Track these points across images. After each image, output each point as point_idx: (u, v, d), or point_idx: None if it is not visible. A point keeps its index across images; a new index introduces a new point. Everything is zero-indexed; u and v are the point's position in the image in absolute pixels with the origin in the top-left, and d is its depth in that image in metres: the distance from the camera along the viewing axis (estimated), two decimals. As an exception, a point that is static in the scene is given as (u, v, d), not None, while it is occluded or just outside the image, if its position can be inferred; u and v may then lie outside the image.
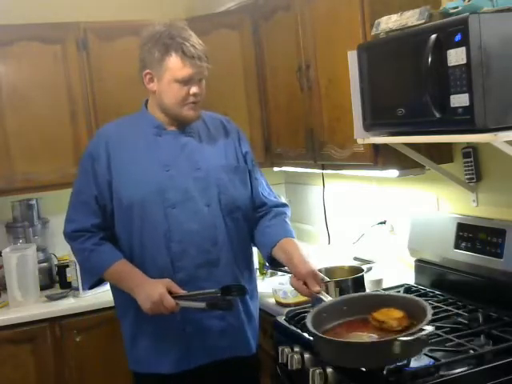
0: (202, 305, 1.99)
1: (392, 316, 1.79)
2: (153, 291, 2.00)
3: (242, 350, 2.23)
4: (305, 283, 2.05)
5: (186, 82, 2.08)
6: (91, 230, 2.16)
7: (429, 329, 1.67)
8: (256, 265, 3.15)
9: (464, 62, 1.70)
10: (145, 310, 2.02)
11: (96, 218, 2.16)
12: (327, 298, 2.01)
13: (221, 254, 2.15)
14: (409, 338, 1.63)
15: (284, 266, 2.20)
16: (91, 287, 2.24)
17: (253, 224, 2.28)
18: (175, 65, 2.06)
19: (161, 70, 2.08)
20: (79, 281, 3.04)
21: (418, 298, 1.89)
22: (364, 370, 1.81)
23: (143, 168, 2.14)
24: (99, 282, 2.21)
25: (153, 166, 2.13)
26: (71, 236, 2.20)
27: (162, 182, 2.12)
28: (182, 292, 2.03)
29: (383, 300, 1.93)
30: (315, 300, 2.07)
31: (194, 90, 2.09)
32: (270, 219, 2.27)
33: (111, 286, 2.26)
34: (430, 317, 1.71)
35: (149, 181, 2.12)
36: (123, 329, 2.25)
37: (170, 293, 2.00)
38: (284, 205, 2.35)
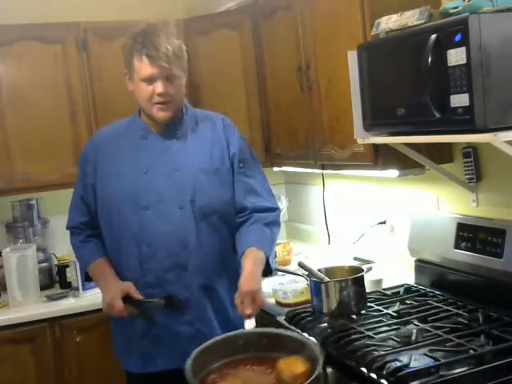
0: (136, 312, 2.07)
1: (293, 369, 1.61)
2: (107, 294, 2.08)
3: None
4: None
5: (150, 81, 2.08)
6: (79, 228, 2.28)
7: None
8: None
9: (464, 62, 1.71)
10: (103, 310, 2.11)
11: (83, 217, 2.27)
12: (250, 326, 1.86)
13: (191, 257, 2.11)
14: None
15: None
16: (87, 280, 2.34)
17: (235, 229, 2.20)
18: (137, 64, 2.08)
19: (131, 70, 2.12)
20: (79, 281, 3.05)
21: (319, 353, 1.62)
22: (365, 370, 1.82)
23: (122, 170, 2.16)
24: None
25: (132, 168, 2.15)
26: (70, 232, 2.33)
27: (138, 183, 2.13)
28: (137, 297, 2.06)
29: (297, 346, 1.72)
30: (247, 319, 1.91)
31: (158, 89, 2.08)
32: (248, 226, 2.16)
33: None
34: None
35: (125, 182, 2.14)
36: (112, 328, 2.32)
37: (128, 296, 2.05)
38: (269, 209, 2.21)
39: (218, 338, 1.81)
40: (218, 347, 1.77)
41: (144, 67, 2.07)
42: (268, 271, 2.12)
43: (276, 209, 2.25)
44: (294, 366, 1.63)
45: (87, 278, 2.31)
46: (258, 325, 2.33)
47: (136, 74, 2.10)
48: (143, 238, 2.11)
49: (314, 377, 1.52)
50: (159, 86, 2.08)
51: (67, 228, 2.33)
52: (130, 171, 2.15)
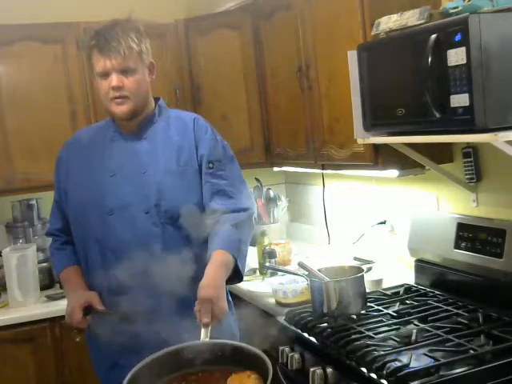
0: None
1: None
2: (68, 304, 2.05)
3: None
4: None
5: (105, 75, 2.02)
6: (55, 234, 2.24)
7: None
8: (256, 265, 3.15)
9: (464, 62, 1.71)
10: (65, 319, 2.07)
11: (57, 223, 2.23)
12: (205, 338, 1.72)
13: (156, 263, 2.01)
14: None
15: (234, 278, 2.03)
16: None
17: (205, 233, 2.06)
18: (95, 60, 2.04)
19: (92, 68, 2.08)
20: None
21: (269, 368, 1.50)
22: (365, 370, 1.81)
23: (90, 174, 2.11)
24: None
25: (98, 172, 2.10)
26: (50, 238, 2.30)
27: (103, 187, 2.07)
28: (100, 308, 2.02)
29: (246, 358, 1.60)
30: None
31: (113, 83, 2.01)
32: (216, 228, 2.03)
33: None
34: None
35: (91, 186, 2.09)
36: None
37: (91, 307, 2.01)
38: (242, 209, 2.08)
39: (162, 351, 1.66)
40: (164, 361, 1.64)
41: (97, 62, 2.02)
42: (238, 276, 2.02)
43: (247, 209, 2.10)
44: (244, 381, 1.53)
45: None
46: (257, 326, 2.34)
47: (95, 70, 2.05)
48: (107, 244, 2.05)
49: None
50: (113, 80, 2.01)
51: (46, 235, 2.31)
52: (98, 175, 2.09)
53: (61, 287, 3.22)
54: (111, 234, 2.05)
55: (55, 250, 2.24)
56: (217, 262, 1.93)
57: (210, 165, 2.09)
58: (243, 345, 1.67)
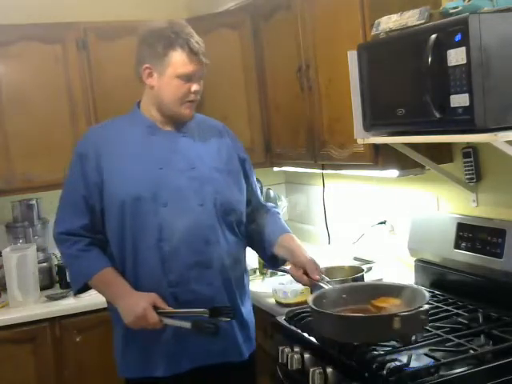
0: (188, 325, 1.95)
1: (391, 303, 1.92)
2: (137, 305, 1.98)
3: (233, 355, 2.16)
4: (305, 272, 2.09)
5: (188, 78, 2.06)
6: (79, 234, 2.12)
7: (426, 306, 1.81)
8: (256, 265, 3.15)
9: (464, 61, 1.71)
10: (127, 323, 2.00)
11: (84, 220, 2.11)
12: (327, 286, 2.07)
13: (213, 254, 2.09)
14: (407, 313, 1.77)
15: (283, 265, 2.29)
16: (78, 292, 2.20)
17: (248, 227, 2.28)
18: (179, 60, 2.03)
19: (163, 64, 2.05)
20: (79, 281, 3.04)
21: (415, 286, 2.01)
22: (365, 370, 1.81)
23: (136, 167, 2.10)
24: (86, 288, 2.16)
25: (146, 165, 2.10)
26: (59, 239, 2.15)
27: (155, 180, 2.08)
28: (168, 308, 1.99)
29: (381, 289, 2.05)
30: (315, 288, 2.12)
31: (195, 87, 2.07)
32: (267, 218, 2.29)
33: None
34: (427, 299, 1.87)
35: (142, 179, 2.08)
36: (115, 335, 2.21)
37: (155, 308, 1.98)
38: (275, 206, 2.43)
39: (345, 284, 2.16)
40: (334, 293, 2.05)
41: (187, 63, 2.03)
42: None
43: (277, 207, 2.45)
44: (388, 301, 1.95)
45: (79, 291, 2.16)
46: (255, 327, 2.34)
47: (171, 69, 2.04)
48: (164, 236, 2.05)
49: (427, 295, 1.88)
50: (196, 84, 2.08)
51: (59, 233, 2.13)
52: (145, 168, 2.09)
53: (61, 287, 3.24)
54: (168, 225, 2.06)
55: (80, 252, 2.10)
56: (294, 240, 2.22)
57: (251, 169, 2.34)
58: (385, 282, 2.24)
